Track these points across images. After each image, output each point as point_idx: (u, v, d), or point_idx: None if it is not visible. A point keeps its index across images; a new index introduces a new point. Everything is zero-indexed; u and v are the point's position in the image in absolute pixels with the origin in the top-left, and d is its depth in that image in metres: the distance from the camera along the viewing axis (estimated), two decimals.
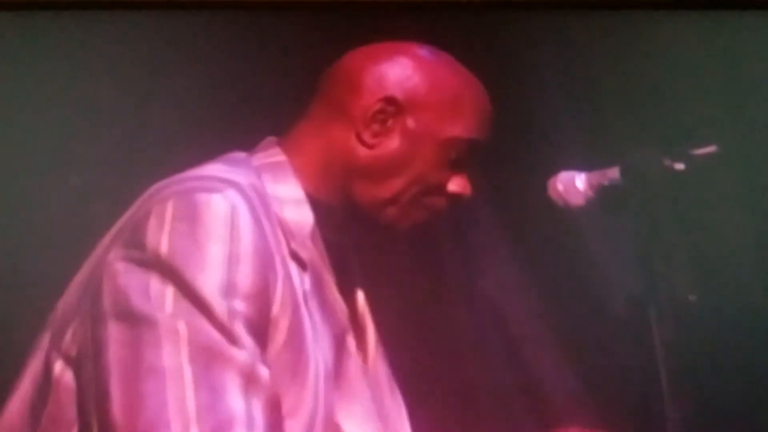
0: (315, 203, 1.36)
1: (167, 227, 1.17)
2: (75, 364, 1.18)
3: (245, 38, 2.08)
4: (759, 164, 2.50)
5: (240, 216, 1.20)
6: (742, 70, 2.49)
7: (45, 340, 1.24)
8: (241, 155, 1.37)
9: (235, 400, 1.11)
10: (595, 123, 2.53)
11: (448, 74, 1.42)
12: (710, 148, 1.31)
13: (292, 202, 1.34)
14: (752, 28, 2.33)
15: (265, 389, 1.14)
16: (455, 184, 1.40)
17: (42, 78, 1.92)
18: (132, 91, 2.04)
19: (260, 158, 1.38)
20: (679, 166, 1.31)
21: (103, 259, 1.21)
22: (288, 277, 1.25)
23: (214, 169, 1.30)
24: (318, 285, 1.33)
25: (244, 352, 1.14)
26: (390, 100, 1.38)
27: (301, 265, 1.30)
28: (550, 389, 2.53)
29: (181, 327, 1.12)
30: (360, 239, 1.45)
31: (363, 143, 1.37)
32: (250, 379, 1.13)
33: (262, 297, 1.19)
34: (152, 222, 1.18)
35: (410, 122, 1.39)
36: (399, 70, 1.40)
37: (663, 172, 1.31)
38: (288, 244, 1.29)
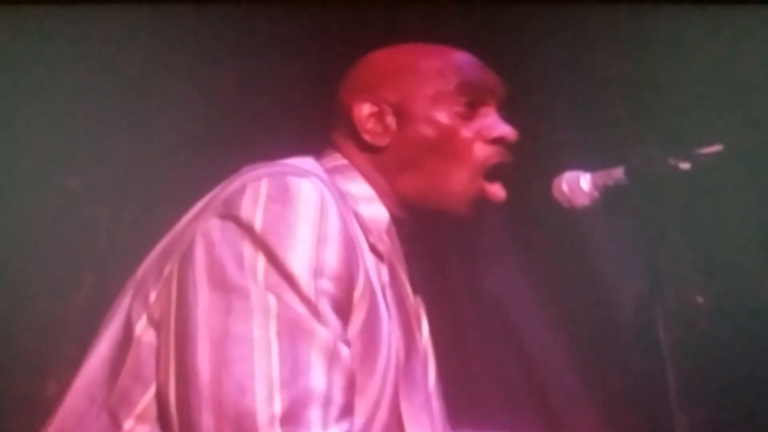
0: (386, 206, 1.42)
1: (261, 205, 1.22)
2: (157, 324, 1.22)
3: (248, 34, 2.07)
4: (765, 163, 2.49)
5: (328, 202, 1.25)
6: (748, 69, 2.48)
7: (125, 304, 1.29)
8: (311, 158, 1.42)
9: (317, 375, 1.15)
10: (601, 122, 2.53)
11: (415, 57, 1.47)
12: (716, 148, 1.30)
13: (365, 199, 1.41)
14: (759, 24, 2.32)
15: (345, 367, 1.18)
16: (491, 130, 1.42)
17: (41, 76, 1.91)
18: (133, 90, 2.03)
19: (326, 162, 1.44)
20: (685, 165, 1.29)
21: (191, 228, 1.25)
22: (366, 268, 1.29)
23: (296, 161, 1.37)
24: (393, 278, 1.38)
25: (329, 329, 1.18)
26: (374, 100, 1.44)
27: (379, 257, 1.36)
28: (556, 390, 2.52)
29: (272, 301, 1.16)
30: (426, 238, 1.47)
31: (376, 148, 1.43)
32: (332, 357, 1.17)
33: (346, 279, 1.23)
34: (247, 198, 1.23)
35: (404, 110, 1.43)
36: (373, 72, 1.47)
37: (668, 172, 1.30)
38: (366, 238, 1.34)
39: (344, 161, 1.44)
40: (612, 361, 2.44)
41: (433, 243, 1.53)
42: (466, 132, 1.42)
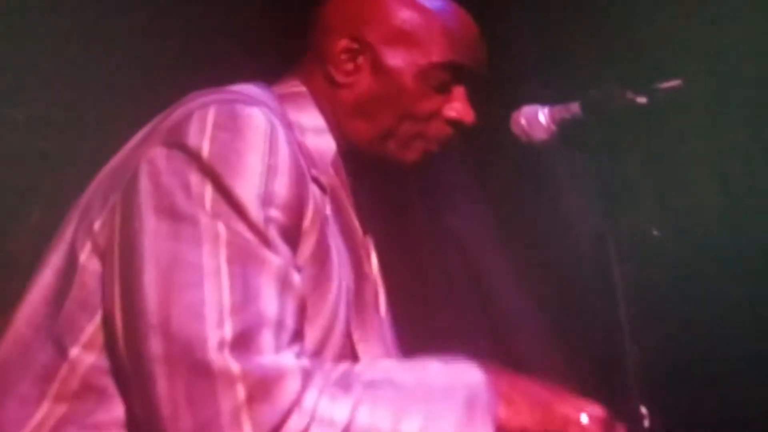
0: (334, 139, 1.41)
1: (209, 133, 1.20)
2: (102, 253, 1.21)
3: None
4: (723, 98, 2.50)
5: (277, 131, 1.23)
6: (709, 4, 2.48)
7: (68, 232, 1.27)
8: (261, 85, 1.40)
9: (268, 301, 1.14)
10: (559, 56, 2.52)
11: (412, 4, 1.43)
12: (674, 82, 1.30)
13: (313, 130, 1.39)
14: None
15: (296, 293, 1.18)
16: (453, 110, 1.43)
17: None
18: (79, 17, 1.98)
19: (281, 88, 1.42)
20: (642, 100, 1.29)
21: (135, 156, 1.23)
22: (313, 197, 1.28)
23: (243, 88, 1.34)
24: (338, 210, 1.37)
25: (279, 256, 1.17)
26: (355, 38, 1.39)
27: (322, 190, 1.34)
28: (512, 324, 2.55)
29: (221, 228, 1.15)
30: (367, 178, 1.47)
31: (337, 84, 1.41)
32: (284, 283, 1.16)
33: (295, 209, 1.22)
34: (193, 125, 1.21)
35: (380, 57, 1.41)
36: (362, 7, 1.43)
37: (626, 106, 1.29)
38: (309, 170, 1.31)
39: (301, 89, 1.43)
40: (566, 294, 2.47)
41: (387, 177, 1.53)
42: (429, 104, 1.41)
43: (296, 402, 1.10)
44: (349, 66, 1.41)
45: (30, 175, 1.90)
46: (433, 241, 2.54)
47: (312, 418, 1.11)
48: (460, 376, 1.21)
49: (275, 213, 1.19)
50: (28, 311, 1.25)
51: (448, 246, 2.55)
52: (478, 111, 1.46)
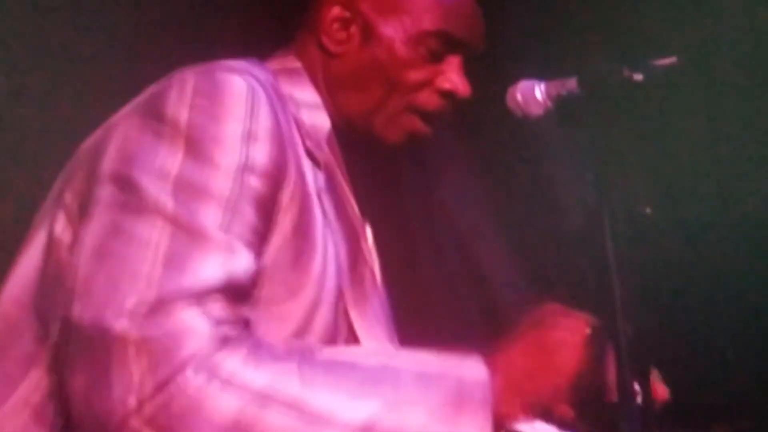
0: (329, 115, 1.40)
1: (187, 100, 1.18)
2: (74, 223, 1.19)
3: None
4: (718, 76, 2.49)
5: (259, 98, 1.21)
6: None
7: (49, 206, 1.26)
8: (253, 60, 1.37)
9: (199, 277, 1.09)
10: (557, 32, 2.51)
11: None
12: (670, 59, 1.29)
13: (308, 106, 1.38)
14: None
15: (243, 271, 1.13)
16: (447, 81, 1.41)
17: None
18: None
19: (275, 63, 1.41)
20: (638, 76, 1.28)
21: (112, 128, 1.22)
22: (299, 169, 1.26)
23: (231, 61, 1.31)
24: (332, 186, 1.35)
25: (231, 231, 1.13)
26: (347, 6, 1.37)
27: (316, 163, 1.32)
28: (504, 300, 2.55)
29: (169, 203, 1.12)
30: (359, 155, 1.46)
31: (328, 53, 1.40)
32: (227, 259, 1.12)
33: (274, 178, 1.20)
34: (172, 94, 1.19)
35: (372, 25, 1.40)
36: None
37: (622, 83, 1.28)
38: (303, 143, 1.30)
39: (296, 64, 1.41)
40: (559, 272, 2.47)
41: (382, 153, 1.52)
42: (419, 74, 1.40)
43: (194, 358, 1.05)
44: (342, 35, 1.40)
45: (10, 143, 1.87)
46: (427, 221, 2.53)
47: (214, 375, 1.05)
48: (454, 371, 1.16)
49: (253, 180, 1.17)
50: (16, 290, 1.23)
51: (442, 225, 2.54)
52: (474, 85, 1.45)
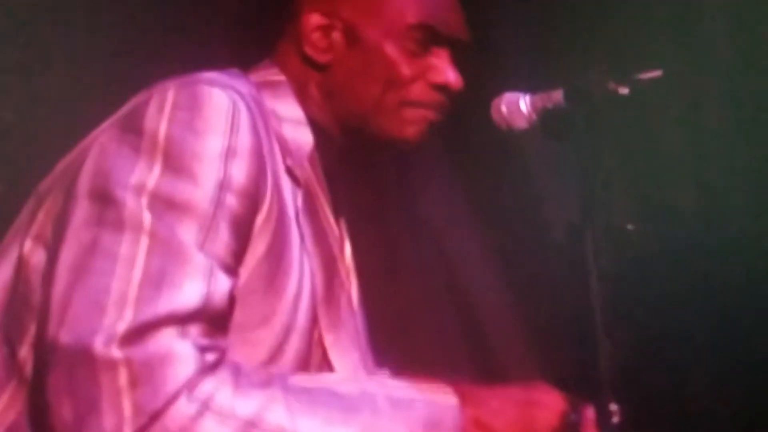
0: (318, 129, 1.36)
1: (167, 113, 1.15)
2: (46, 243, 1.16)
3: None
4: (703, 90, 2.49)
5: (240, 112, 1.18)
6: None
7: (23, 223, 1.22)
8: (235, 72, 1.34)
9: (182, 296, 1.07)
10: (543, 44, 2.50)
11: None
12: (655, 73, 1.28)
13: (291, 121, 1.34)
14: None
15: (222, 290, 1.11)
16: (437, 74, 1.38)
17: None
18: None
19: (258, 76, 1.37)
20: (624, 90, 1.27)
21: (92, 142, 1.19)
22: (278, 189, 1.23)
23: (213, 74, 1.27)
24: (311, 206, 1.32)
25: (211, 250, 1.10)
26: (326, 12, 1.37)
27: (296, 181, 1.29)
28: (485, 317, 2.53)
29: (147, 216, 1.09)
30: (362, 161, 1.43)
31: (315, 63, 1.37)
32: (209, 278, 1.10)
33: (252, 197, 1.17)
34: (152, 107, 1.16)
35: (355, 29, 1.37)
36: None
37: (607, 96, 1.27)
38: (284, 160, 1.27)
39: (280, 77, 1.38)
40: (541, 286, 2.46)
41: (365, 167, 1.49)
42: (409, 70, 1.37)
43: (186, 387, 1.03)
44: (324, 42, 1.37)
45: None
46: (410, 239, 2.51)
47: (205, 406, 1.04)
48: (425, 397, 1.17)
49: (230, 199, 1.14)
50: None
51: (426, 242, 2.53)
52: (458, 97, 1.43)
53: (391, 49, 1.36)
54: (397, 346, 1.29)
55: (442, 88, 1.39)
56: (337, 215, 1.43)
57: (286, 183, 1.28)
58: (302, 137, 1.35)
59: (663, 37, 2.47)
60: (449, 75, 1.39)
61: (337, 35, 1.37)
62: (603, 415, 1.19)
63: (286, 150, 1.30)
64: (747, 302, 2.38)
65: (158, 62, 1.33)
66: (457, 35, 1.41)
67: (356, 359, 1.35)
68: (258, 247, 1.19)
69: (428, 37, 1.38)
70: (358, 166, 1.47)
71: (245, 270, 1.18)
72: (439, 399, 1.18)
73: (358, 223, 1.52)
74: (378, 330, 1.50)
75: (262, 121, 1.25)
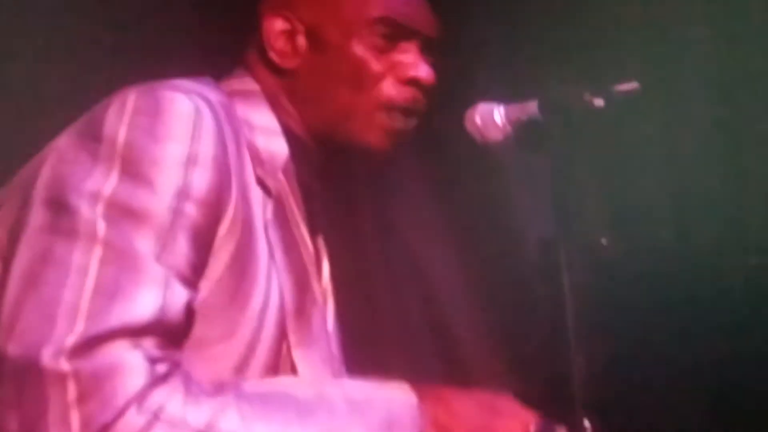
0: (293, 140, 1.33)
1: (126, 119, 1.12)
2: (1, 252, 1.12)
3: None
4: (678, 103, 2.49)
5: (204, 119, 1.15)
6: (666, 6, 2.47)
7: None
8: (206, 80, 1.31)
9: (136, 308, 1.05)
10: (518, 55, 2.49)
11: None
12: (632, 85, 1.26)
13: (265, 131, 1.31)
14: None
15: (179, 302, 1.08)
16: (407, 68, 1.35)
17: None
18: None
19: (231, 84, 1.34)
20: (599, 102, 1.26)
21: (51, 149, 1.15)
22: (245, 199, 1.20)
23: (179, 80, 1.24)
24: (282, 218, 1.28)
25: (166, 261, 1.08)
26: (288, 17, 1.35)
27: (266, 192, 1.26)
28: (459, 327, 2.52)
29: (101, 226, 1.06)
30: (339, 175, 1.40)
31: (280, 70, 1.34)
32: (165, 289, 1.07)
33: (213, 207, 1.14)
34: (111, 112, 1.13)
35: (317, 32, 1.35)
36: None
37: (582, 108, 1.26)
38: (254, 169, 1.24)
39: (254, 87, 1.35)
40: (514, 302, 2.44)
41: (341, 180, 1.46)
42: (378, 66, 1.34)
43: (135, 399, 1.02)
44: (288, 47, 1.34)
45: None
46: (384, 255, 2.49)
47: (155, 417, 1.02)
48: (382, 396, 1.16)
49: (190, 208, 1.11)
50: None
51: (401, 254, 2.51)
52: (432, 107, 1.41)
53: (357, 47, 1.33)
54: (371, 363, 1.27)
55: (414, 83, 1.36)
56: (314, 232, 1.40)
57: (255, 193, 1.25)
58: (276, 147, 1.31)
59: (639, 48, 2.47)
60: (420, 69, 1.35)
61: (300, 39, 1.35)
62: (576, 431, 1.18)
63: (257, 159, 1.27)
64: (722, 316, 2.38)
65: (132, 72, 1.30)
66: (421, 29, 1.38)
67: (327, 375, 1.32)
68: (220, 259, 1.16)
69: (393, 31, 1.35)
70: (334, 180, 1.44)
71: (207, 282, 1.15)
72: (397, 397, 1.17)
73: (333, 238, 1.49)
74: (351, 347, 1.47)
75: (231, 129, 1.22)
